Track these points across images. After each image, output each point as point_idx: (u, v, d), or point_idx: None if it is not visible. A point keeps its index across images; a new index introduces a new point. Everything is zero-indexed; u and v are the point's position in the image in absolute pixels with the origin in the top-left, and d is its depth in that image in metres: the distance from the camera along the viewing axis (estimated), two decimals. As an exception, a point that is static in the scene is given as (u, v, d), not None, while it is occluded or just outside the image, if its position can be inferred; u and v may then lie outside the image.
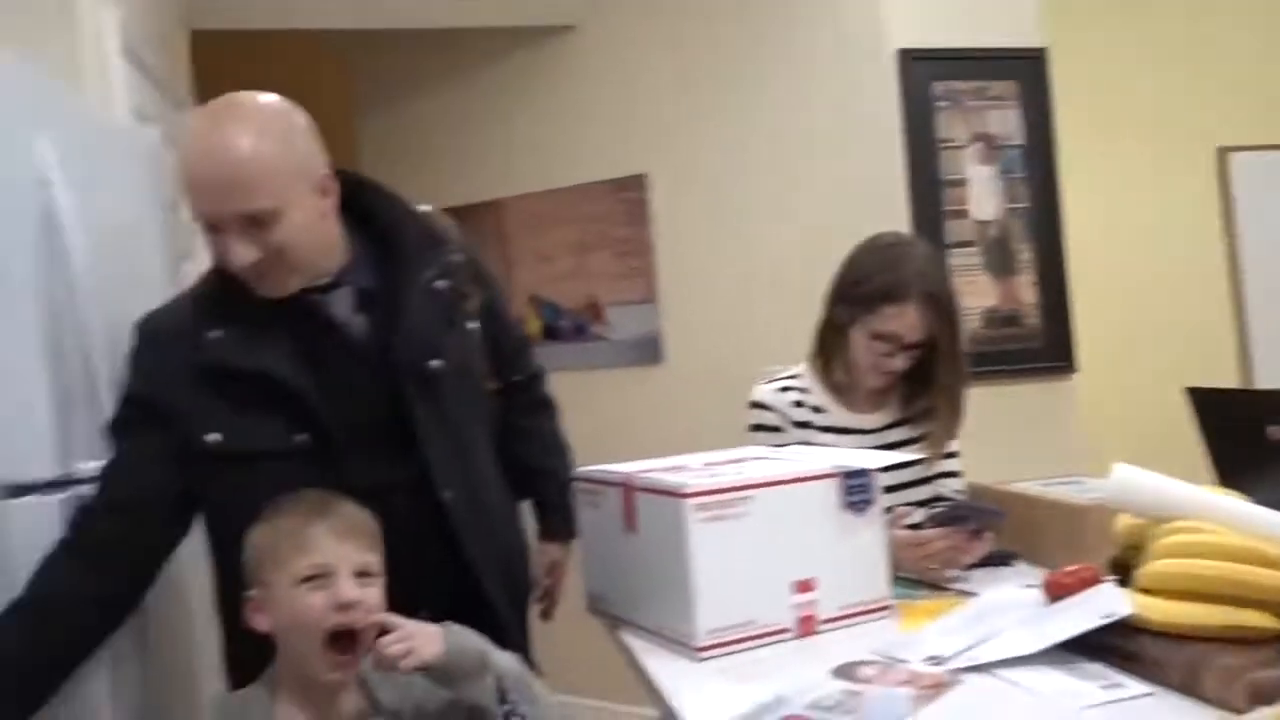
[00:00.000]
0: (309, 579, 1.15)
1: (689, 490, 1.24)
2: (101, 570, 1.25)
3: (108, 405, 1.45)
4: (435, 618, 1.20)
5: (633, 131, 3.05)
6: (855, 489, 1.35)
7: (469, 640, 1.19)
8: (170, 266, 1.97)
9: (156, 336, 1.34)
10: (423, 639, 1.15)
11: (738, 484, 1.28)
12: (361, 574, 1.16)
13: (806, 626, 1.32)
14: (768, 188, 2.85)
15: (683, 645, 1.27)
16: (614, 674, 1.55)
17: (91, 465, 1.40)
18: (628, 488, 1.36)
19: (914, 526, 1.56)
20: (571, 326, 3.20)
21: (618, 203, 3.07)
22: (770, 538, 1.29)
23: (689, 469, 1.36)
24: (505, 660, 1.22)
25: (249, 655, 1.25)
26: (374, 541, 1.20)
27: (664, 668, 1.25)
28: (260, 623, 1.18)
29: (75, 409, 1.41)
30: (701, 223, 2.97)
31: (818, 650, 1.28)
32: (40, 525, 1.32)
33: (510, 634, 1.42)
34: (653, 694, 1.24)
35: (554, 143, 3.19)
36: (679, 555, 1.26)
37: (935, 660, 1.18)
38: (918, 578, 1.51)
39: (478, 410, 1.48)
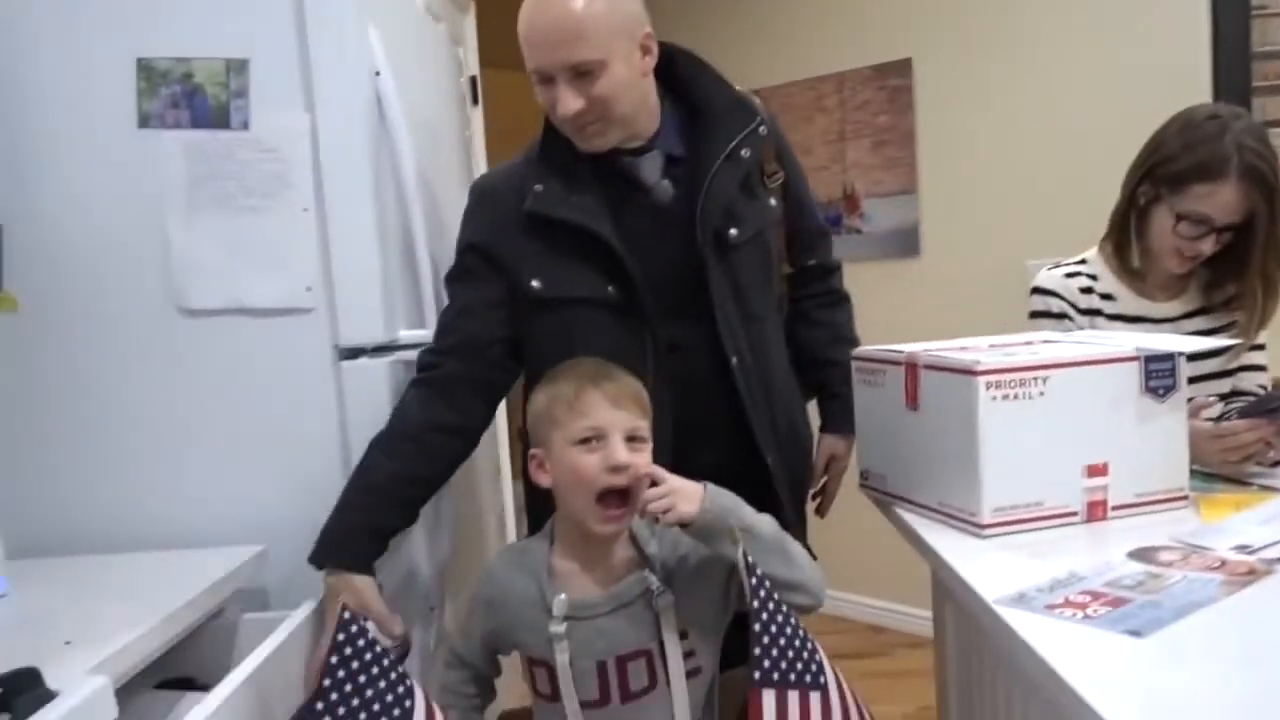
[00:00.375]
0: (584, 441, 1.23)
1: (982, 368, 1.23)
2: (450, 403, 1.42)
3: (425, 281, 1.60)
4: (716, 478, 1.26)
5: (899, 13, 2.94)
6: (1158, 373, 1.29)
7: (725, 500, 1.23)
8: (464, 160, 2.11)
9: (491, 192, 1.48)
10: (683, 496, 1.20)
11: (1033, 364, 1.25)
12: (632, 438, 1.24)
13: (1096, 511, 1.29)
14: (1041, 70, 2.68)
15: (966, 523, 1.28)
16: (884, 573, 1.57)
17: (411, 334, 1.56)
18: (911, 366, 1.36)
19: (1215, 420, 1.48)
20: (826, 219, 3.16)
21: (880, 90, 2.98)
22: (1064, 420, 1.26)
23: (975, 349, 1.35)
24: (761, 522, 1.25)
25: (543, 508, 1.38)
26: (644, 409, 1.26)
27: (945, 543, 1.26)
28: (542, 479, 1.28)
29: (399, 283, 1.56)
30: (967, 110, 2.84)
31: (1108, 535, 1.25)
32: (369, 383, 1.50)
33: (784, 510, 1.49)
34: (936, 568, 1.27)
35: (818, 28, 3.12)
36: (967, 434, 1.25)
37: (1244, 549, 1.13)
38: (1216, 471, 1.44)
39: (769, 285, 1.55)
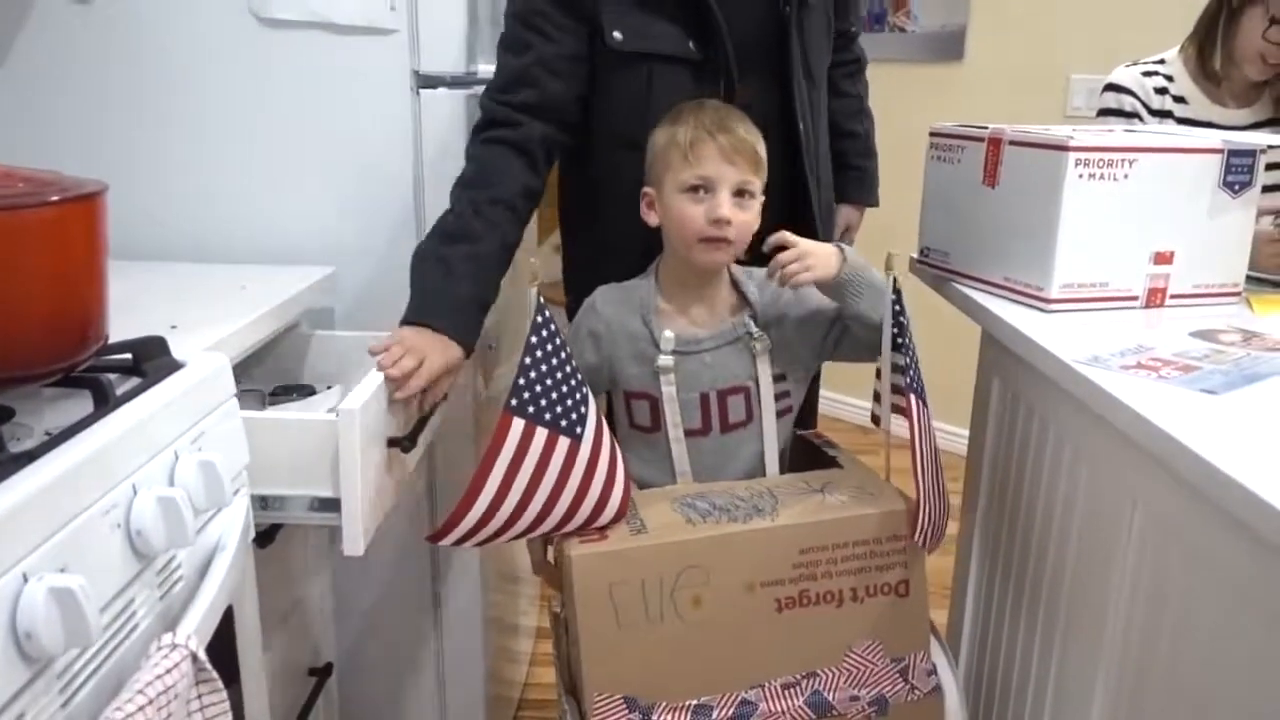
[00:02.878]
0: (692, 189, 1.25)
1: (1074, 145, 1.25)
2: (535, 167, 1.39)
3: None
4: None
5: None
6: (1237, 168, 1.31)
7: (860, 258, 1.28)
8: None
9: None
10: (819, 259, 1.25)
11: (1123, 145, 1.27)
12: (740, 193, 1.26)
13: (1155, 298, 1.34)
14: None
15: (1031, 298, 1.33)
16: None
17: (490, 69, 1.53)
18: (995, 141, 1.37)
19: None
20: (868, 15, 3.08)
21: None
22: (1141, 205, 1.29)
23: (1056, 132, 1.36)
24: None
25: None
26: (758, 164, 1.27)
27: (1011, 314, 1.31)
28: (650, 218, 1.31)
29: (480, 16, 1.52)
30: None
31: (1164, 320, 1.31)
32: (446, 114, 1.48)
33: None
34: (999, 337, 1.32)
35: None
36: (1047, 211, 1.28)
37: (1302, 337, 1.19)
38: (1268, 276, 1.49)
39: (827, 50, 1.55)
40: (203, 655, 0.82)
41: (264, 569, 1.25)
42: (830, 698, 1.18)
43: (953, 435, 2.32)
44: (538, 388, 1.09)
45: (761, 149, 1.28)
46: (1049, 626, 1.24)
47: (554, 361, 1.10)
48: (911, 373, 1.19)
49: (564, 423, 1.11)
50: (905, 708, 1.20)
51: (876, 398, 1.33)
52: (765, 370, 1.31)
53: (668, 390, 1.28)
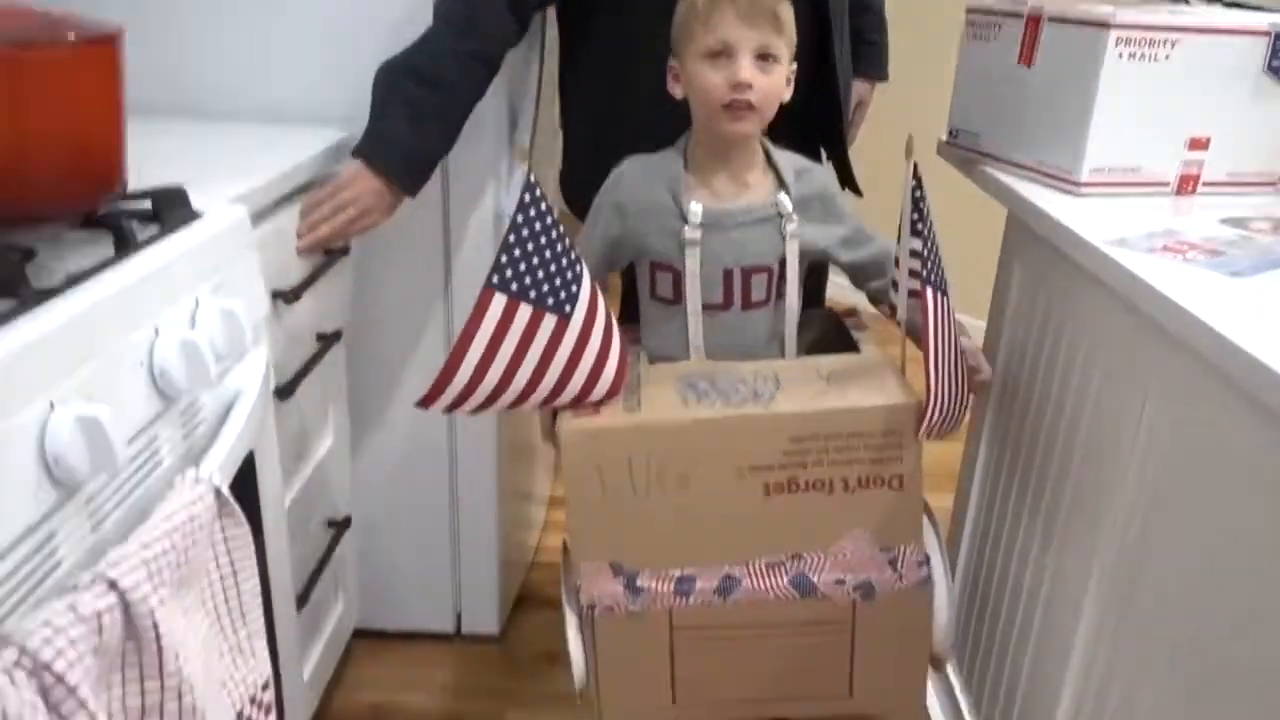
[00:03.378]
0: (712, 56, 1.22)
1: (1116, 22, 1.21)
2: (522, 22, 1.39)
3: None
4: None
5: None
6: (1285, 52, 1.27)
7: None
8: None
9: None
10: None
11: (1166, 24, 1.23)
12: (763, 56, 1.22)
13: (1186, 185, 1.32)
14: None
15: (1061, 181, 1.30)
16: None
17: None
18: (1034, 19, 1.33)
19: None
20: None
21: None
22: (1180, 87, 1.26)
23: (1098, 10, 1.31)
24: None
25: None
26: (781, 26, 1.23)
27: (1039, 196, 1.29)
28: (675, 89, 1.28)
29: None
30: None
31: (1196, 208, 1.29)
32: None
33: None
34: (1025, 219, 1.31)
35: None
36: (1082, 90, 1.25)
37: (1333, 229, 1.17)
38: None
39: None
40: (225, 491, 0.85)
41: (284, 421, 1.28)
42: (815, 579, 1.20)
43: (969, 326, 2.31)
44: (522, 265, 1.08)
45: (784, 11, 1.23)
46: (1050, 517, 1.26)
47: (542, 240, 1.09)
48: (930, 263, 1.16)
49: (551, 300, 1.11)
50: (892, 595, 1.20)
51: (895, 286, 1.32)
52: (794, 251, 1.30)
53: (691, 264, 1.28)
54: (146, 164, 0.98)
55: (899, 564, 1.21)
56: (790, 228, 1.29)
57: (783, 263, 1.30)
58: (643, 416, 1.17)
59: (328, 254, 1.39)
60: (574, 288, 1.13)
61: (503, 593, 1.88)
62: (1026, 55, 1.35)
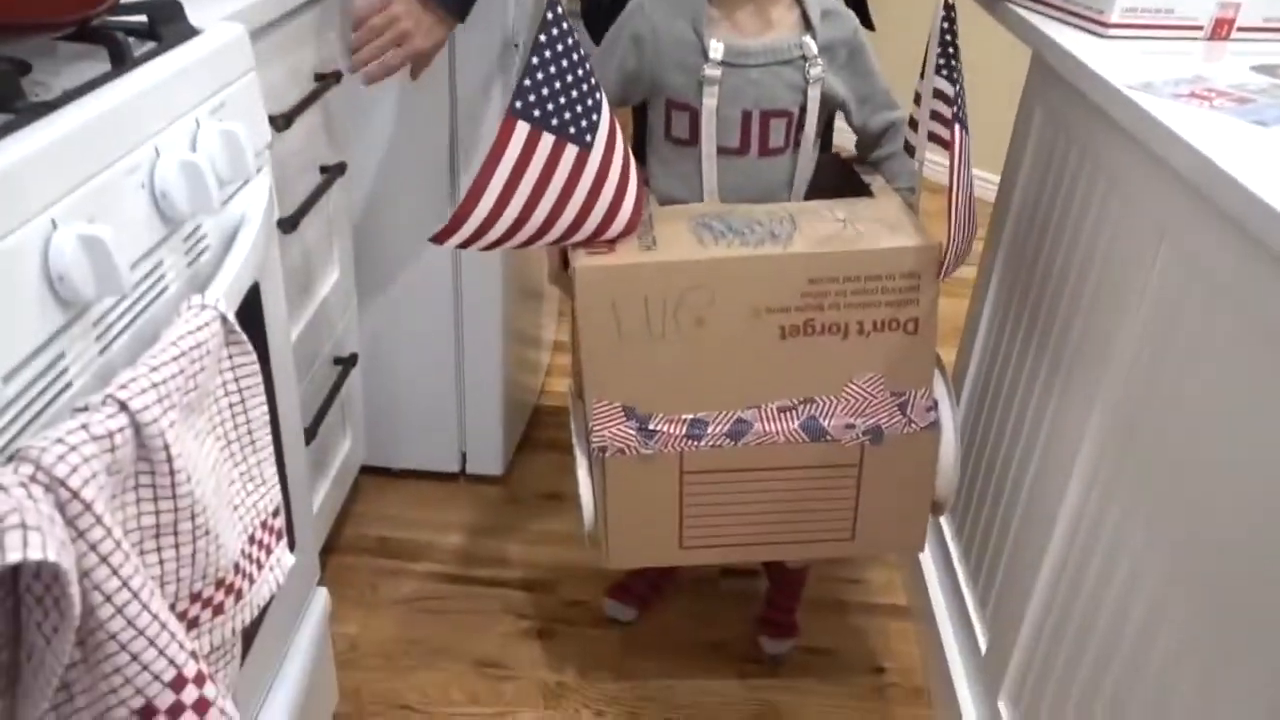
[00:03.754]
0: None
1: None
2: None
3: None
4: None
5: None
6: (1340, -115, 1.20)
7: None
8: None
9: None
10: None
11: None
12: None
13: (1221, 29, 1.27)
14: None
15: (1091, 20, 1.25)
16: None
17: None
18: None
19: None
20: None
21: None
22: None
23: None
24: None
25: None
26: None
27: (1066, 38, 1.24)
28: None
29: None
30: None
31: (1229, 54, 1.24)
32: None
33: None
34: (1051, 61, 1.26)
35: None
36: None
37: (1370, 77, 1.13)
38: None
39: None
40: (232, 318, 0.84)
41: (288, 254, 1.27)
42: (825, 424, 1.21)
43: (983, 181, 2.28)
44: (544, 90, 1.04)
45: None
46: (1055, 361, 1.26)
47: (564, 63, 1.05)
48: (959, 102, 1.14)
49: (573, 129, 1.08)
50: (900, 440, 1.23)
51: (912, 124, 1.29)
52: (815, 97, 1.25)
53: (709, 104, 1.23)
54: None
55: (909, 408, 1.22)
56: (814, 72, 1.25)
57: (803, 109, 1.27)
58: (659, 255, 1.16)
59: (319, 79, 1.34)
60: (595, 116, 1.10)
61: (507, 434, 1.91)
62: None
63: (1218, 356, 0.90)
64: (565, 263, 1.30)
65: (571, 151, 1.09)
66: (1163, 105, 1.00)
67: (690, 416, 1.20)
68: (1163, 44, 1.24)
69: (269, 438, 0.92)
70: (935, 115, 1.25)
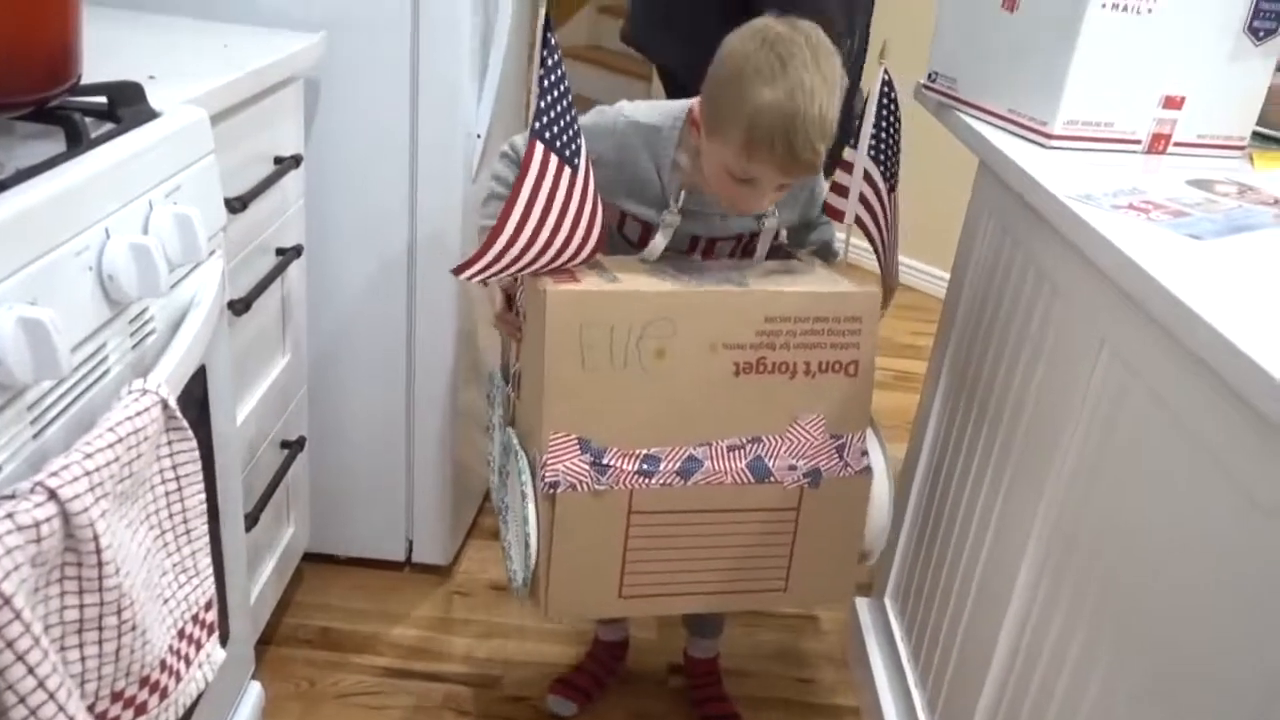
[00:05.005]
0: (739, 177, 1.17)
1: (1102, -29, 1.19)
2: None
3: None
4: None
5: None
6: (1266, 14, 1.26)
7: None
8: None
9: None
10: None
11: (1151, -23, 1.22)
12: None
13: (1158, 144, 1.32)
14: None
15: (1034, 132, 1.30)
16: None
17: None
18: (1020, -36, 1.31)
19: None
20: None
21: None
22: (1160, 43, 1.25)
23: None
24: None
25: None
26: (814, 168, 1.17)
27: (1010, 147, 1.28)
28: (692, 133, 1.23)
29: None
30: None
31: (1165, 167, 1.29)
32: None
33: None
34: (996, 170, 1.30)
35: None
36: (1063, 38, 1.24)
37: (1297, 195, 1.18)
38: (1275, 134, 1.46)
39: None
40: (173, 404, 0.83)
41: (239, 335, 1.26)
42: (770, 464, 1.25)
43: (932, 277, 2.33)
44: (552, 113, 1.09)
45: (822, 149, 1.13)
46: (1000, 463, 1.27)
47: (558, 91, 1.09)
48: (890, 169, 1.24)
49: (567, 152, 1.12)
50: (836, 483, 1.27)
51: (838, 190, 1.33)
52: (768, 229, 1.29)
53: (660, 239, 1.25)
54: (106, 57, 0.94)
55: (845, 451, 1.27)
56: (769, 223, 1.28)
57: (754, 235, 1.31)
58: (625, 285, 1.18)
59: (279, 162, 1.35)
60: (579, 140, 1.14)
61: (455, 522, 1.87)
62: (1010, 1, 1.33)
63: (1152, 466, 0.92)
64: (509, 304, 1.31)
65: (567, 173, 1.12)
66: (1103, 216, 1.03)
67: (644, 451, 1.22)
68: (1103, 155, 1.29)
69: (205, 527, 0.89)
70: (862, 198, 1.31)
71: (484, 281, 1.19)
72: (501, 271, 1.15)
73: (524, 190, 1.09)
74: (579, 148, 1.13)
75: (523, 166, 1.08)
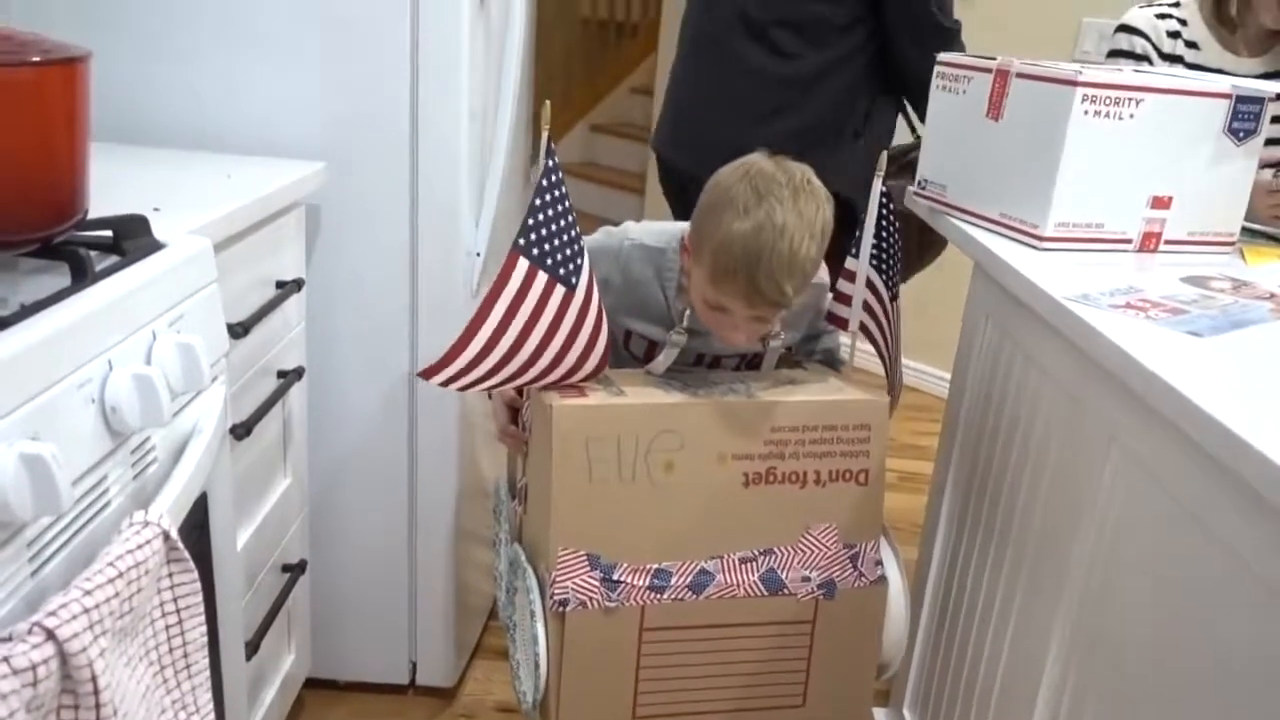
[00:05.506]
0: (713, 306, 1.18)
1: (1083, 80, 1.23)
2: None
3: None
4: None
5: None
6: (1243, 115, 1.30)
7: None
8: None
9: None
10: None
11: (1131, 84, 1.25)
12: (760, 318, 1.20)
13: (1149, 243, 1.34)
14: None
15: (1026, 234, 1.31)
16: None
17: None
18: (1002, 73, 1.35)
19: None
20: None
21: None
22: (1144, 146, 1.28)
23: (1064, 67, 1.34)
24: None
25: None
26: (784, 305, 1.16)
27: (1004, 250, 1.30)
28: (684, 257, 1.24)
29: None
30: None
31: (1157, 265, 1.30)
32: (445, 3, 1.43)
33: None
34: (992, 273, 1.32)
35: None
36: (1048, 145, 1.27)
37: (1291, 289, 1.19)
38: (1263, 228, 1.49)
39: None
40: (174, 535, 0.82)
41: (240, 460, 1.25)
42: (783, 576, 1.22)
43: (934, 378, 2.33)
44: (543, 230, 1.09)
45: (791, 288, 1.12)
46: (1015, 565, 1.25)
47: (558, 208, 1.10)
48: (891, 279, 1.26)
49: (562, 271, 1.12)
50: (851, 593, 1.25)
51: (841, 298, 1.35)
52: (774, 349, 1.30)
53: (668, 355, 1.26)
54: (112, 191, 0.96)
55: (859, 560, 1.25)
56: (774, 344, 1.29)
57: (759, 354, 1.32)
58: (631, 399, 1.18)
59: (280, 286, 1.36)
60: (579, 260, 1.14)
61: (459, 643, 1.83)
62: (995, 109, 1.37)
63: (1169, 565, 0.90)
64: (514, 418, 1.30)
65: (560, 292, 1.12)
66: (1102, 316, 1.03)
67: (655, 566, 1.19)
68: (1095, 255, 1.30)
69: (205, 661, 0.87)
70: (866, 305, 1.31)
71: (488, 393, 1.19)
72: (479, 383, 1.15)
73: (499, 303, 1.09)
74: (578, 268, 1.14)
75: (499, 278, 1.08)
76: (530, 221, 1.08)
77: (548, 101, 1.17)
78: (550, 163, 1.09)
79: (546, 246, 1.10)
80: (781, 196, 1.11)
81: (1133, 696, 0.95)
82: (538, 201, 1.08)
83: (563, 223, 1.11)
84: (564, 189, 1.11)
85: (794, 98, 1.71)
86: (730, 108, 1.74)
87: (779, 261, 1.10)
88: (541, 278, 1.10)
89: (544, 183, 1.08)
